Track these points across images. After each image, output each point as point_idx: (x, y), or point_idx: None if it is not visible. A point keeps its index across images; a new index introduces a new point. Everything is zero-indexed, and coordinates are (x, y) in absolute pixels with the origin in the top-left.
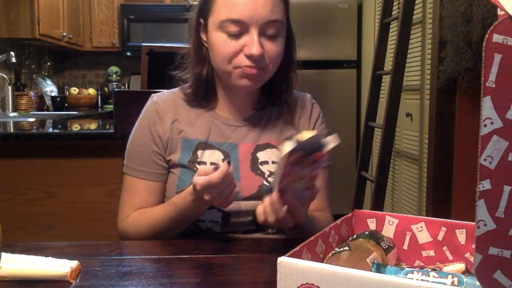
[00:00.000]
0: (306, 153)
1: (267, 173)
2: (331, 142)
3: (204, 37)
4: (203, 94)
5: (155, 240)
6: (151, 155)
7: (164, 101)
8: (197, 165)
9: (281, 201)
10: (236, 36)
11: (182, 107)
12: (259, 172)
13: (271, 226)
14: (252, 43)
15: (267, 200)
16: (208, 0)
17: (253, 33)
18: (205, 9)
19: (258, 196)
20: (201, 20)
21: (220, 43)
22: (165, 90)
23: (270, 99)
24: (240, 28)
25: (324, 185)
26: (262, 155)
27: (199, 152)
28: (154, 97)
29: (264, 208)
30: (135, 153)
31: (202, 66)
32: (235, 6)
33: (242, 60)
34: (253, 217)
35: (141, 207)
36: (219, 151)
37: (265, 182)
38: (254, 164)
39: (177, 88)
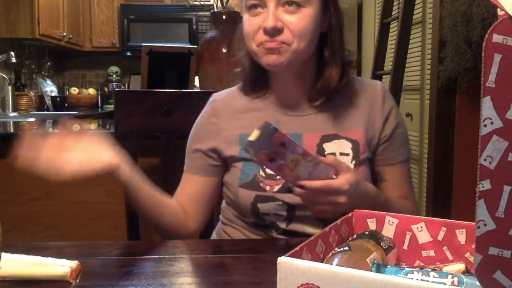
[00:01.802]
0: (268, 146)
1: None
2: (276, 125)
3: None
4: (252, 85)
5: (155, 240)
6: (195, 151)
7: (222, 99)
8: None
9: (306, 195)
10: (257, 13)
11: (239, 102)
12: None
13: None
14: (267, 17)
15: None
16: None
17: (270, 7)
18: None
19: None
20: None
21: (245, 22)
22: (225, 90)
23: (322, 88)
24: (259, 3)
25: (403, 176)
26: (329, 147)
27: None
28: (212, 96)
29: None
30: (188, 150)
31: (245, 55)
32: None
33: (261, 36)
34: None
35: (178, 198)
36: None
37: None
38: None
39: (236, 86)
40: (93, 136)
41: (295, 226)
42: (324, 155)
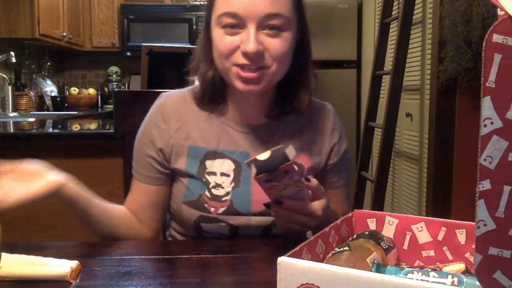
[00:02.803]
0: (273, 170)
1: None
2: (290, 153)
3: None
4: (210, 97)
5: (155, 240)
6: (146, 158)
7: (173, 103)
8: (206, 176)
9: (281, 212)
10: (233, 32)
11: (191, 111)
12: None
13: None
14: (248, 39)
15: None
16: None
17: (250, 29)
18: (209, 7)
19: (269, 212)
20: (208, 19)
21: (217, 39)
22: (175, 90)
23: (284, 107)
24: (237, 22)
25: (343, 198)
26: None
27: (207, 162)
28: (162, 98)
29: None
30: (135, 154)
31: (208, 67)
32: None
33: (238, 58)
34: (261, 232)
35: (130, 205)
36: (230, 160)
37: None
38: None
39: (187, 88)
40: (29, 164)
41: None
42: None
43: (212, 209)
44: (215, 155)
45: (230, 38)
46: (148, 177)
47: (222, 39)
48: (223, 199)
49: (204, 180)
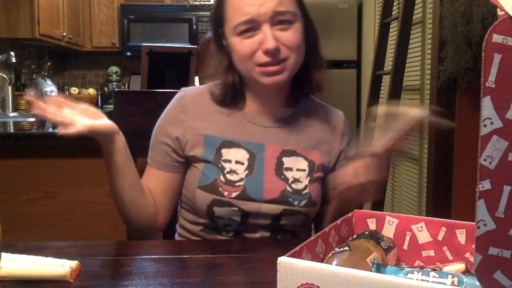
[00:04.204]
0: None
1: (290, 179)
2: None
3: (226, 44)
4: (231, 99)
5: (155, 240)
6: (162, 146)
7: (192, 96)
8: (222, 163)
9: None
10: (249, 35)
11: (209, 103)
12: (283, 177)
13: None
14: (266, 38)
15: (365, 160)
16: (219, 12)
17: (265, 28)
18: (219, 20)
19: (280, 200)
20: (220, 30)
21: (237, 45)
22: (194, 86)
23: (302, 89)
24: (252, 26)
25: None
26: (287, 161)
27: (223, 150)
28: (182, 91)
29: (359, 169)
30: (152, 142)
31: (228, 73)
32: (243, 8)
33: (261, 56)
34: (271, 221)
35: None
36: (245, 150)
37: (288, 188)
38: (279, 168)
39: (206, 85)
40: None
41: (246, 232)
42: (284, 169)
43: (226, 193)
44: (230, 144)
45: (248, 41)
46: (163, 164)
47: (241, 44)
48: (237, 184)
49: (220, 165)
